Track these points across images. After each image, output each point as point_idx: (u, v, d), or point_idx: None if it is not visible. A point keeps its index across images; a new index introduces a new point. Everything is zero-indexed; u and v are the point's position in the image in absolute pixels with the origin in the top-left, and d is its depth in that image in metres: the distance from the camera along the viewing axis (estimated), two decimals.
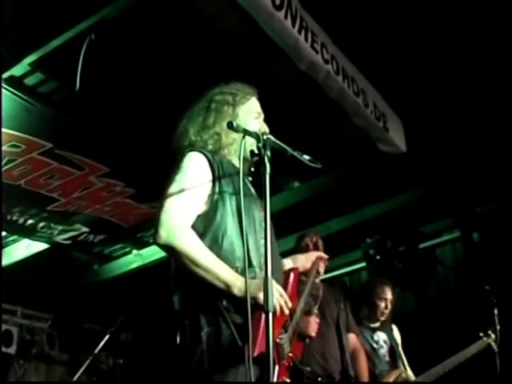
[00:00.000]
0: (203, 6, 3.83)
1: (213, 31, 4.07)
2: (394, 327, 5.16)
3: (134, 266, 7.53)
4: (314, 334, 3.89)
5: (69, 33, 3.94)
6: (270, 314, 2.08)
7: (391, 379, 4.77)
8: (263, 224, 2.26)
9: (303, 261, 3.14)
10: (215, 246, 2.47)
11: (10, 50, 4.16)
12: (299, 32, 3.95)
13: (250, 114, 2.82)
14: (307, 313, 3.84)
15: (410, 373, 4.90)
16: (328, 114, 5.00)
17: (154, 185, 5.35)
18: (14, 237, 6.90)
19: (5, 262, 6.99)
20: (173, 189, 2.51)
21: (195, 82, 3.41)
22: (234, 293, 2.36)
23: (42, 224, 6.41)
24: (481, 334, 5.09)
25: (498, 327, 5.05)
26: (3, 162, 5.24)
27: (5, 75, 4.30)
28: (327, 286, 4.66)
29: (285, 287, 2.60)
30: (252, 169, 2.75)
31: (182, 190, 2.50)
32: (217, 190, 2.56)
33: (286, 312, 2.47)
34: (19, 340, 7.51)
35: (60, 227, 6.54)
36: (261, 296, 2.21)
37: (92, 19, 3.87)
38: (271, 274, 2.14)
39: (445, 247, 7.15)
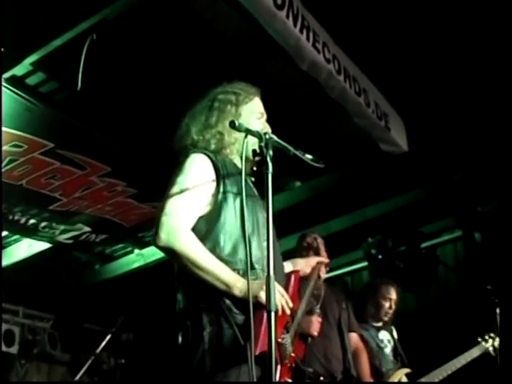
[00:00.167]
0: (203, 7, 3.83)
1: (213, 32, 4.07)
2: (393, 328, 5.19)
3: (136, 265, 7.52)
4: (316, 334, 3.90)
5: (70, 33, 3.94)
6: (273, 313, 2.09)
7: (397, 379, 4.79)
8: (266, 227, 2.25)
9: (303, 265, 3.12)
10: (218, 248, 2.47)
11: (11, 49, 4.17)
12: (301, 31, 3.95)
13: (253, 113, 2.82)
14: (309, 312, 3.84)
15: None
16: (329, 113, 4.99)
17: (156, 184, 5.36)
18: (16, 236, 6.91)
19: (7, 262, 7.00)
20: (174, 190, 2.51)
21: (196, 83, 3.41)
22: (235, 293, 2.37)
23: (43, 224, 6.41)
24: (479, 339, 5.12)
25: (499, 327, 5.06)
26: (5, 162, 5.25)
27: (6, 75, 4.31)
28: (329, 286, 4.66)
29: (286, 289, 2.60)
30: (254, 168, 2.74)
31: (183, 192, 2.49)
32: (221, 189, 2.56)
33: (287, 312, 2.47)
34: (21, 340, 7.52)
35: (62, 227, 6.54)
36: (262, 295, 2.21)
37: (92, 19, 3.87)
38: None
39: (446, 247, 7.15)
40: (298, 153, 2.44)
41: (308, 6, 4.06)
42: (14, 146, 5.05)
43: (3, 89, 4.35)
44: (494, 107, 5.31)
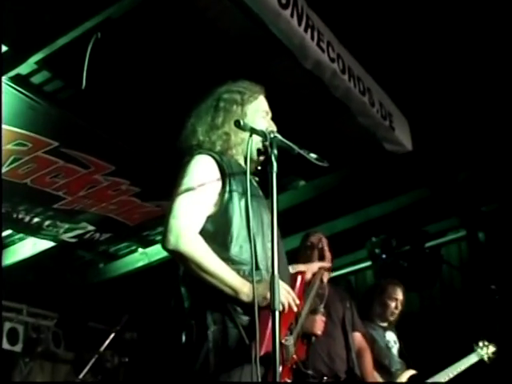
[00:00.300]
0: (208, 6, 3.82)
1: (217, 31, 4.07)
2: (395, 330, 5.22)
3: (140, 264, 7.53)
4: (319, 333, 3.90)
5: (75, 31, 3.95)
6: (277, 313, 2.08)
7: (404, 379, 4.80)
8: (271, 228, 2.25)
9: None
10: (224, 249, 2.47)
11: (16, 48, 4.18)
12: (305, 31, 3.94)
13: (258, 112, 2.81)
14: (313, 311, 3.84)
15: None
16: (333, 113, 4.99)
17: (160, 183, 5.42)
18: (20, 235, 6.92)
19: (11, 260, 7.02)
20: (181, 192, 2.50)
21: (200, 82, 3.40)
22: (242, 299, 2.37)
23: (47, 222, 6.42)
24: (474, 347, 5.15)
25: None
26: (9, 161, 5.25)
27: (11, 73, 4.32)
28: (332, 285, 4.66)
29: (292, 289, 2.59)
30: (259, 167, 2.74)
31: (190, 194, 2.49)
32: (227, 189, 2.56)
33: (295, 309, 2.47)
34: (25, 338, 7.53)
35: (66, 225, 6.55)
36: (269, 296, 2.21)
37: (97, 18, 3.87)
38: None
39: (450, 246, 7.15)
40: (302, 152, 2.44)
41: (312, 5, 4.05)
42: (19, 144, 5.06)
43: (8, 87, 4.36)
44: (498, 107, 5.31)
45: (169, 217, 2.44)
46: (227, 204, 2.54)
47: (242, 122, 2.35)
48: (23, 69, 4.35)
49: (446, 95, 5.14)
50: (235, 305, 2.39)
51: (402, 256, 6.45)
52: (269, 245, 2.38)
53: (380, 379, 4.68)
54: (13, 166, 5.32)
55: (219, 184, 2.57)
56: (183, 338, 2.51)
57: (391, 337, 5.06)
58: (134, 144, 5.33)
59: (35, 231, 6.64)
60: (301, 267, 3.16)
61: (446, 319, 6.66)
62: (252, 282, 2.29)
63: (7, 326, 7.31)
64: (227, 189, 2.56)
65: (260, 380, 2.20)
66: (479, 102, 5.24)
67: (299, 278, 2.76)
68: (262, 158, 2.66)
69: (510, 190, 6.27)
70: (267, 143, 2.35)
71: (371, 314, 5.09)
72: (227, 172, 2.58)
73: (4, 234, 6.76)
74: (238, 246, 2.48)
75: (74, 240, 6.92)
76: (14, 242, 7.06)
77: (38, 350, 7.70)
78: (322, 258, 4.29)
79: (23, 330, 7.55)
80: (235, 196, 2.55)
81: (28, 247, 7.00)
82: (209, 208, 2.54)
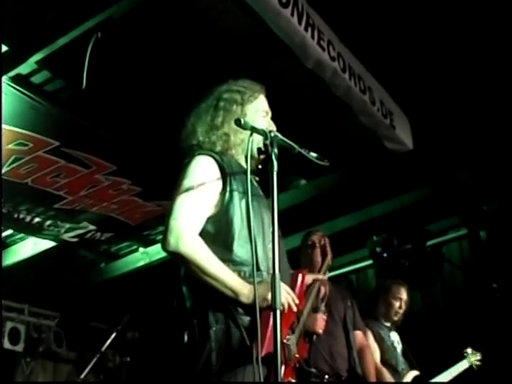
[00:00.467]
0: (209, 5, 3.82)
1: (218, 30, 4.07)
2: None
3: (141, 264, 7.53)
4: (321, 331, 3.90)
5: (75, 31, 3.95)
6: (278, 312, 2.08)
7: (409, 379, 4.82)
8: (271, 228, 2.25)
9: None
10: (225, 250, 2.47)
11: (16, 48, 4.18)
12: (306, 29, 3.94)
13: (258, 112, 2.80)
14: (314, 310, 3.85)
15: None
16: (334, 112, 4.99)
17: (161, 183, 5.43)
18: (21, 235, 6.93)
19: (12, 260, 7.03)
20: (181, 194, 2.50)
21: (201, 81, 3.40)
22: (242, 301, 2.37)
23: (48, 222, 6.42)
24: (464, 353, 5.18)
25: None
26: (10, 161, 5.26)
27: (11, 73, 4.32)
28: (334, 284, 4.66)
29: (292, 288, 2.59)
30: (259, 166, 2.73)
31: (190, 195, 2.49)
32: (227, 190, 2.55)
33: (294, 308, 2.47)
34: (26, 338, 7.54)
35: (67, 225, 6.55)
36: (270, 297, 2.21)
37: (98, 18, 3.87)
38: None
39: (451, 245, 7.14)
40: (303, 151, 2.43)
41: (313, 4, 4.05)
42: (19, 144, 5.06)
43: (8, 87, 4.36)
44: (500, 106, 5.30)
45: (169, 218, 2.44)
46: (228, 204, 2.53)
47: (242, 121, 2.35)
48: (24, 69, 4.35)
49: (447, 94, 5.14)
50: (236, 305, 2.39)
51: (403, 255, 6.46)
52: (269, 246, 2.37)
53: (389, 376, 4.71)
54: (14, 165, 5.32)
55: (220, 184, 2.57)
56: (185, 337, 2.51)
57: (395, 337, 5.09)
58: (134, 143, 5.34)
59: (36, 231, 6.64)
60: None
61: (448, 318, 6.66)
62: (253, 283, 2.28)
63: (9, 325, 7.32)
64: (228, 188, 2.55)
65: (262, 380, 2.20)
66: (480, 100, 5.24)
67: (300, 277, 2.75)
68: (262, 157, 2.65)
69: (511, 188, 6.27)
70: (268, 142, 2.35)
71: (375, 314, 5.11)
72: (227, 172, 2.58)
73: (5, 233, 6.77)
74: (239, 247, 2.48)
75: (75, 240, 6.92)
76: (15, 242, 7.07)
77: (39, 349, 7.70)
78: (324, 255, 4.29)
79: (25, 329, 7.55)
80: (236, 196, 2.55)
81: (29, 247, 7.01)
82: (209, 209, 2.53)
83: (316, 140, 4.23)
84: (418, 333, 5.68)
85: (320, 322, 3.91)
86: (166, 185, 2.62)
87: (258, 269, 2.43)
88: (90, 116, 4.94)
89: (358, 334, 4.61)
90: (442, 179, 6.21)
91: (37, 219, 6.34)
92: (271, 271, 2.17)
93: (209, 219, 2.53)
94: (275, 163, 2.27)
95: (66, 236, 6.78)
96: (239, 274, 2.42)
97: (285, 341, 2.53)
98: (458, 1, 4.27)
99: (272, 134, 2.36)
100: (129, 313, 6.42)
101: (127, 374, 8.42)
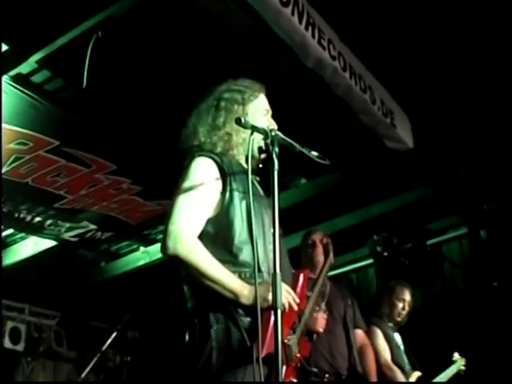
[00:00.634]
0: (209, 4, 3.82)
1: (218, 29, 4.06)
2: None
3: (141, 263, 7.53)
4: (321, 330, 3.91)
5: (75, 30, 3.94)
6: (279, 311, 2.08)
7: (413, 380, 4.84)
8: (272, 229, 2.24)
9: None
10: (225, 252, 2.46)
11: (16, 47, 4.18)
12: (306, 28, 3.94)
13: (259, 111, 2.80)
14: (315, 309, 3.85)
15: None
16: (334, 111, 4.98)
17: (161, 182, 5.43)
18: (22, 234, 6.93)
19: (13, 260, 7.03)
20: (180, 197, 2.50)
21: (201, 80, 3.40)
22: (243, 302, 2.37)
23: (49, 221, 6.43)
24: (453, 359, 5.20)
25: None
26: (10, 160, 5.26)
27: (12, 73, 4.32)
28: (334, 283, 4.67)
29: (294, 287, 2.59)
30: (260, 165, 2.73)
31: (189, 198, 2.49)
32: (227, 192, 2.55)
33: (295, 308, 2.47)
34: (27, 337, 7.54)
35: (67, 224, 6.56)
36: (270, 297, 2.20)
37: (98, 17, 3.87)
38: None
39: (451, 244, 7.14)
40: (303, 150, 2.43)
41: (313, 3, 4.05)
42: (20, 143, 5.07)
43: (8, 87, 4.36)
44: (500, 105, 5.30)
45: (168, 222, 2.44)
46: (228, 205, 2.53)
47: (243, 120, 2.34)
48: (24, 68, 4.35)
49: (447, 92, 5.14)
50: (236, 307, 2.39)
51: (403, 254, 6.46)
52: (270, 246, 2.37)
53: (401, 375, 4.73)
54: (14, 165, 5.32)
55: (220, 185, 2.56)
56: (186, 337, 2.51)
57: (398, 338, 5.11)
58: (135, 143, 5.34)
59: (37, 230, 6.64)
60: None
61: (448, 316, 6.66)
62: (254, 284, 2.28)
63: (9, 325, 7.32)
64: (227, 192, 2.54)
65: (263, 380, 2.20)
66: (481, 99, 5.23)
67: (301, 277, 2.74)
68: (263, 156, 2.65)
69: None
70: (268, 141, 2.34)
71: (380, 313, 5.13)
72: (228, 174, 2.57)
73: (5, 233, 6.77)
74: (239, 248, 2.47)
75: (75, 239, 6.92)
76: (15, 242, 7.07)
77: (40, 349, 7.70)
78: (326, 254, 4.30)
79: (25, 329, 7.55)
80: (236, 197, 2.54)
81: (29, 246, 7.01)
82: (209, 211, 2.53)
83: (316, 139, 4.23)
84: (418, 332, 5.67)
85: (320, 320, 3.92)
86: (166, 184, 2.63)
87: (259, 270, 2.42)
88: (90, 115, 4.94)
89: (359, 332, 4.62)
90: (442, 178, 6.21)
91: (37, 218, 6.34)
92: (272, 272, 2.17)
93: (209, 221, 2.52)
94: (276, 162, 2.27)
95: (67, 235, 6.79)
96: (240, 276, 2.42)
97: (286, 341, 2.53)
98: (458, 0, 4.27)
99: (273, 133, 2.35)
100: (129, 312, 6.42)
101: (128, 373, 8.43)
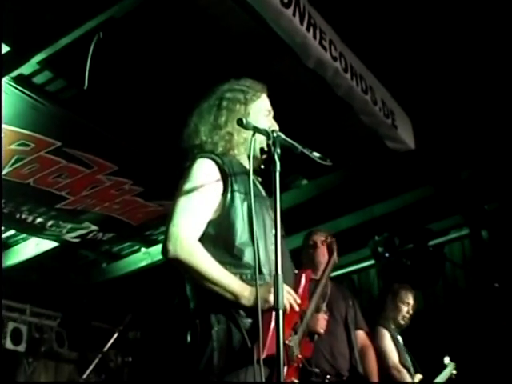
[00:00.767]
0: (210, 4, 3.82)
1: (219, 29, 4.07)
2: None
3: (143, 264, 7.53)
4: (322, 331, 3.90)
5: (77, 31, 3.95)
6: (281, 312, 2.08)
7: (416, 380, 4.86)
8: (273, 230, 2.23)
9: None
10: (226, 253, 2.46)
11: (18, 48, 4.18)
12: (307, 29, 3.94)
13: (261, 111, 2.79)
14: (316, 310, 3.84)
15: None
16: (336, 111, 4.99)
17: (162, 183, 5.43)
18: (23, 235, 6.94)
19: (14, 261, 7.04)
20: (181, 199, 2.49)
21: (202, 81, 3.40)
22: (243, 303, 2.36)
23: (50, 222, 6.43)
24: (445, 363, 5.24)
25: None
26: (12, 161, 5.26)
27: (13, 74, 4.33)
28: (335, 284, 4.66)
29: (296, 288, 2.59)
30: (262, 166, 2.72)
31: (190, 200, 2.48)
32: (229, 193, 2.54)
33: (296, 308, 2.46)
34: (28, 338, 7.55)
35: (69, 225, 6.56)
36: (271, 298, 2.21)
37: (100, 18, 3.87)
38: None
39: (453, 245, 7.14)
40: (305, 150, 2.42)
41: (314, 3, 4.05)
42: (21, 144, 5.07)
43: (10, 88, 4.36)
44: (501, 106, 5.30)
45: (169, 225, 2.43)
46: (229, 207, 2.52)
47: (244, 121, 2.33)
48: (25, 69, 4.35)
49: (448, 93, 5.14)
50: (237, 308, 2.38)
51: (405, 254, 6.46)
52: (272, 247, 2.36)
53: (408, 377, 4.74)
54: (16, 166, 5.33)
55: (220, 187, 2.55)
56: (188, 337, 2.51)
57: (401, 340, 5.12)
58: (136, 143, 5.34)
59: (38, 231, 6.65)
60: None
61: (450, 317, 6.66)
62: (255, 286, 2.28)
63: (11, 326, 7.33)
64: (229, 193, 2.53)
65: (264, 381, 2.20)
66: (482, 100, 5.23)
67: (303, 277, 2.74)
68: (264, 156, 2.64)
69: None
70: (270, 142, 2.33)
71: (383, 317, 5.14)
72: (229, 175, 2.55)
73: (7, 234, 6.78)
74: (241, 250, 2.46)
75: (76, 240, 6.92)
76: (17, 242, 7.08)
77: (41, 349, 7.72)
78: (330, 252, 4.30)
79: (27, 329, 7.56)
80: (237, 198, 2.53)
81: (31, 247, 7.02)
82: (210, 213, 2.52)
83: (318, 140, 4.23)
84: (419, 332, 5.67)
85: (321, 321, 3.91)
86: (168, 185, 2.62)
87: (261, 271, 2.41)
88: (92, 116, 4.94)
89: (360, 333, 4.61)
90: (443, 178, 6.21)
91: (39, 219, 6.35)
92: (273, 273, 2.17)
93: (210, 222, 2.51)
94: (278, 163, 2.27)
95: (68, 236, 6.79)
96: (241, 277, 2.41)
97: (287, 342, 2.52)
98: (459, 1, 4.27)
99: (274, 134, 2.34)
100: (131, 313, 6.42)
101: (129, 373, 8.43)
